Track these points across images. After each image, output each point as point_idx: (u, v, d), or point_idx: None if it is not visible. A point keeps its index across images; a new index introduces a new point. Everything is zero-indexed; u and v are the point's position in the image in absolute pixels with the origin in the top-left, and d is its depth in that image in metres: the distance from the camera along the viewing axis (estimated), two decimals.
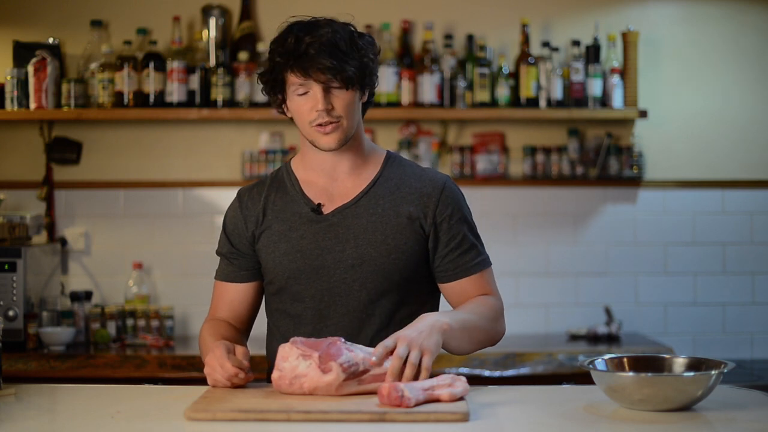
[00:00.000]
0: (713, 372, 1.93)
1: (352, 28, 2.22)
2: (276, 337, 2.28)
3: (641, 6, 4.28)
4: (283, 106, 2.25)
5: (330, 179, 2.28)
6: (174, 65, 4.02)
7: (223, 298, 2.35)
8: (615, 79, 4.10)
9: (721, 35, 4.29)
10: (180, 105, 4.04)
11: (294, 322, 2.26)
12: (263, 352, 2.38)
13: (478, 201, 4.18)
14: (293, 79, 2.17)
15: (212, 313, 2.37)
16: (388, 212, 2.24)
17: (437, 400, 1.93)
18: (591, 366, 1.99)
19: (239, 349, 2.12)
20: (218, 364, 2.08)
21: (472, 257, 2.27)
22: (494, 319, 2.25)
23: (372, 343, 2.15)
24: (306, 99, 2.17)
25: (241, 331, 2.35)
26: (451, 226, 2.25)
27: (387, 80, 4.02)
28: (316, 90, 2.15)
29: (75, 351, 3.79)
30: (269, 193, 2.31)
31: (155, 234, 4.24)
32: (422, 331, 2.05)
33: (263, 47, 4.12)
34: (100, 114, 4.02)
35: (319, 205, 2.26)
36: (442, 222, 2.25)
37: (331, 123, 2.17)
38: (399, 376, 1.98)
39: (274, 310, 2.32)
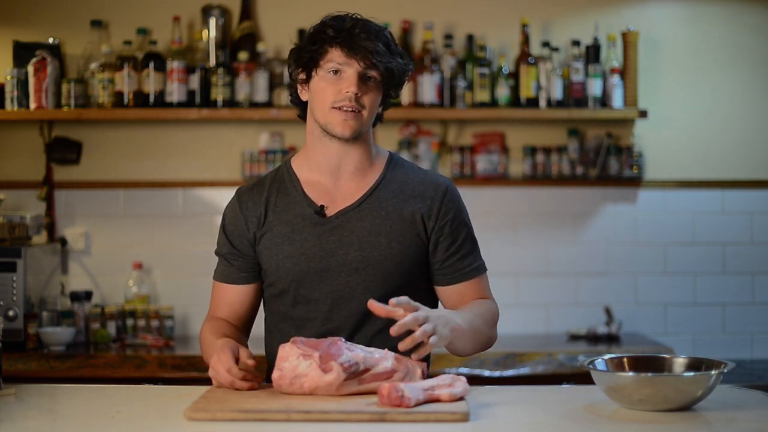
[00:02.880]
0: (713, 372, 1.93)
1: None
2: (276, 338, 2.27)
3: (641, 6, 4.28)
4: (303, 86, 2.26)
5: (334, 179, 2.28)
6: (174, 65, 4.02)
7: (223, 299, 2.35)
8: (615, 79, 4.10)
9: (721, 35, 4.29)
10: (180, 105, 4.03)
11: (296, 325, 2.26)
12: (263, 352, 2.37)
13: (478, 201, 4.18)
14: (333, 56, 2.18)
15: (212, 313, 2.37)
16: (392, 215, 2.25)
17: (437, 400, 1.94)
18: (591, 366, 2.00)
19: (243, 351, 2.11)
20: (224, 369, 2.07)
21: (470, 262, 2.29)
22: (493, 325, 2.29)
23: (371, 343, 2.17)
24: (336, 79, 2.19)
25: (241, 330, 2.35)
26: (452, 231, 2.27)
27: None
28: (351, 73, 2.18)
29: (75, 351, 3.79)
30: (270, 193, 2.31)
31: (155, 234, 4.24)
32: (445, 320, 2.06)
33: (263, 47, 4.12)
34: (100, 114, 4.02)
35: (322, 206, 2.26)
36: (444, 226, 2.26)
37: (353, 111, 2.18)
38: (407, 335, 1.98)
39: (275, 311, 2.32)
